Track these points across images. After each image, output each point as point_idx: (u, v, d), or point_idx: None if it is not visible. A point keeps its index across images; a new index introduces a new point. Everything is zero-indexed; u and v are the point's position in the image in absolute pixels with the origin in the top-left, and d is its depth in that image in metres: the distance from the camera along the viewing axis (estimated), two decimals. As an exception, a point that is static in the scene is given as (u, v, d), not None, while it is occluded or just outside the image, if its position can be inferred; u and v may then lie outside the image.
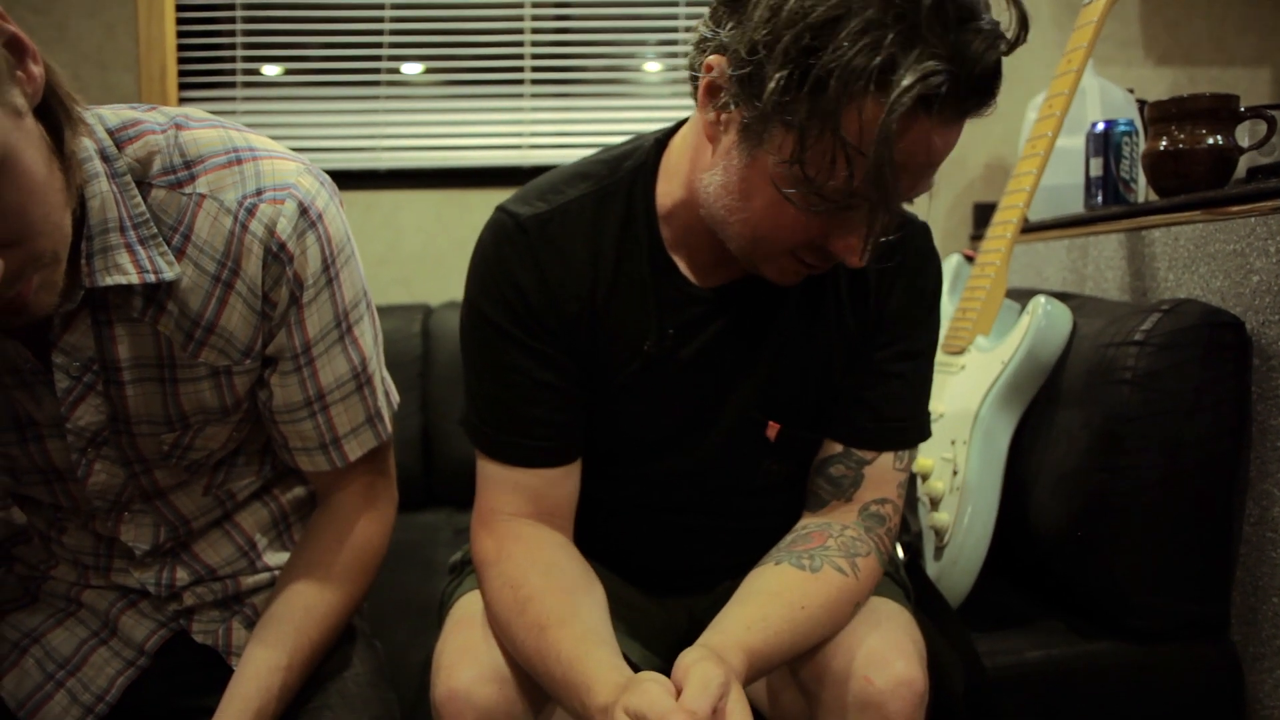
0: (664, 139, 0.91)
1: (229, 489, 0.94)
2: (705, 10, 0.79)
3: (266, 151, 0.82)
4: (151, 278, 0.76)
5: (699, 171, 0.82)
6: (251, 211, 0.78)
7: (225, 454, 0.92)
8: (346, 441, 0.90)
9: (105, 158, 0.76)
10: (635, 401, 0.91)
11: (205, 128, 0.81)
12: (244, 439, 0.92)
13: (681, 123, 0.91)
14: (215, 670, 0.91)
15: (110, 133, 0.77)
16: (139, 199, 0.76)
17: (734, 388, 0.91)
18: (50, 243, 0.68)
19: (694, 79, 0.80)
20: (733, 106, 0.74)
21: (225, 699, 0.81)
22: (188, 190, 0.78)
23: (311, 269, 0.81)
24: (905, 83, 0.65)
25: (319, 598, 0.89)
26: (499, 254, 0.88)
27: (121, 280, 0.75)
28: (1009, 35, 0.70)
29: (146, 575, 0.93)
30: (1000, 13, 0.72)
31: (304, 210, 0.80)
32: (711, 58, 0.76)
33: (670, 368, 0.90)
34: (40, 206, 0.66)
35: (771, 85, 0.69)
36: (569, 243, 0.88)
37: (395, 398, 0.96)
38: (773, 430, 0.92)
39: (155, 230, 0.77)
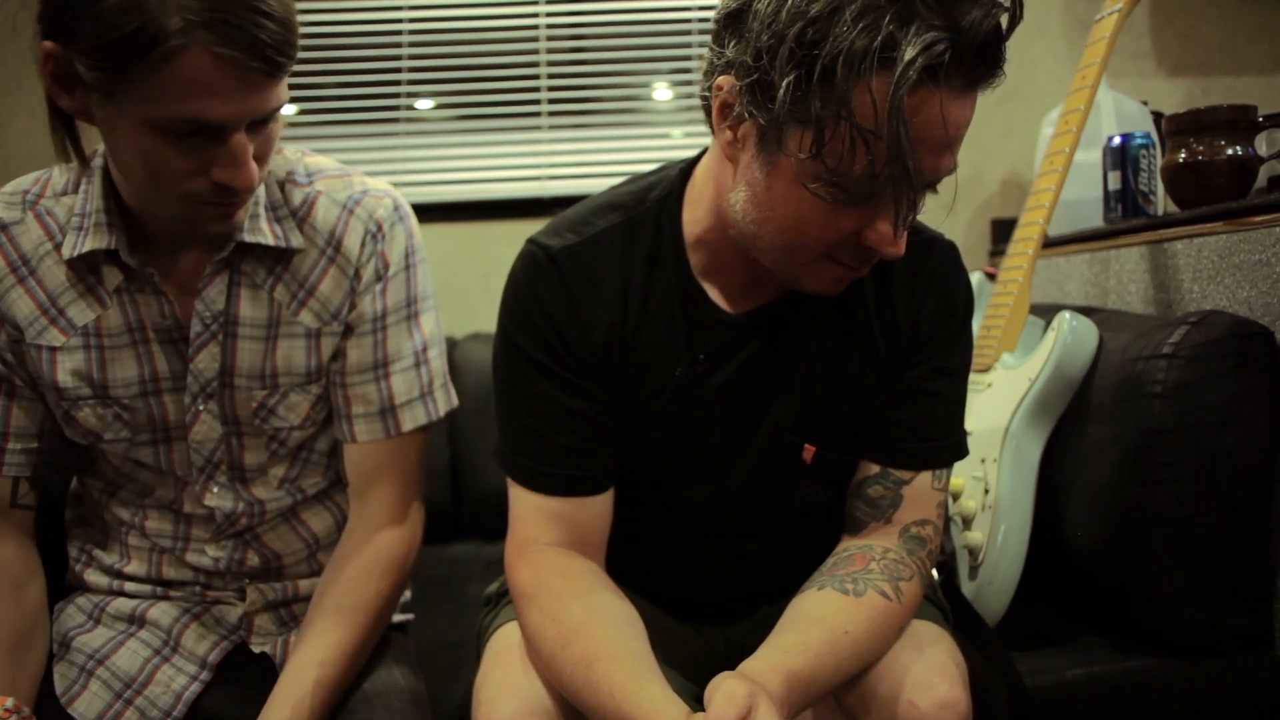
0: (688, 168, 0.92)
1: (299, 485, 1.05)
2: None
3: (363, 176, 1.05)
4: (282, 243, 0.96)
5: (724, 194, 0.83)
6: (358, 202, 1.00)
7: (302, 439, 1.02)
8: (401, 411, 1.02)
9: None
10: (668, 428, 0.92)
11: (319, 157, 1.05)
12: (316, 432, 1.04)
13: (704, 152, 0.92)
14: (272, 683, 0.95)
15: None
16: (278, 192, 0.99)
17: (768, 412, 0.92)
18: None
19: (706, 105, 0.82)
20: (746, 117, 0.76)
21: (268, 704, 0.90)
22: (309, 189, 1.00)
23: (396, 252, 1.01)
24: (909, 55, 0.67)
25: (353, 592, 0.98)
26: (530, 286, 0.89)
27: (262, 240, 0.95)
28: (1004, 3, 0.71)
29: (220, 552, 1.03)
30: None
31: (398, 207, 1.02)
32: (720, 78, 0.77)
33: (702, 394, 0.90)
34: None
35: (782, 87, 0.70)
36: (599, 273, 0.89)
37: (454, 400, 1.08)
38: (809, 453, 0.92)
39: (288, 212, 0.98)
